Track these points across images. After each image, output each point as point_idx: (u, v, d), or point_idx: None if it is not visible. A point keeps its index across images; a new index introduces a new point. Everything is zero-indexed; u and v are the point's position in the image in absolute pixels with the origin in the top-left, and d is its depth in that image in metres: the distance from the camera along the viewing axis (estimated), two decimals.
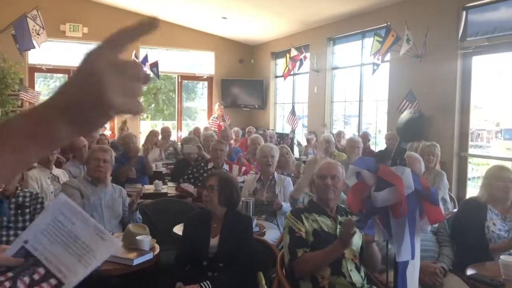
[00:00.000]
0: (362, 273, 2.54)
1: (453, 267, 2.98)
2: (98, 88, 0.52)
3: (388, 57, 7.38)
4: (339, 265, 2.46)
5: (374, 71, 7.38)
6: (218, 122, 10.47)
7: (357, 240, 2.53)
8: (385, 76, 7.77)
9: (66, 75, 10.38)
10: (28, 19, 6.53)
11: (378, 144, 8.19)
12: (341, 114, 9.79)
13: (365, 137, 7.14)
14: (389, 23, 6.93)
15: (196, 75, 11.89)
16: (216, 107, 11.01)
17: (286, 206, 3.94)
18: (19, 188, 3.23)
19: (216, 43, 11.50)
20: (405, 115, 1.39)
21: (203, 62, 11.86)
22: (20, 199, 3.16)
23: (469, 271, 2.68)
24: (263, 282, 1.93)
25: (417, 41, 6.65)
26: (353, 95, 8.97)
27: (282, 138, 9.29)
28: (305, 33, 9.82)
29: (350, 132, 8.70)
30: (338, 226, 2.60)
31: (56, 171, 4.51)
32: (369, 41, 7.86)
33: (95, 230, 1.01)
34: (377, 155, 6.33)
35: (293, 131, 9.27)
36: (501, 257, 2.60)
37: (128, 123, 9.38)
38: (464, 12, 6.37)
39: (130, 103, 0.55)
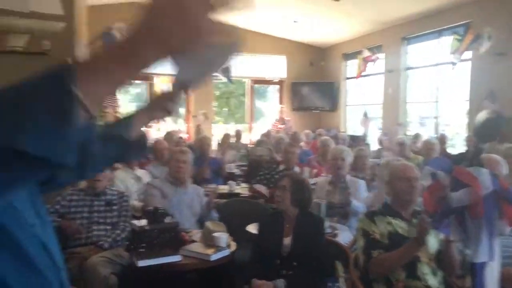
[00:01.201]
0: (439, 277, 2.48)
1: None
2: (181, 5, 0.58)
3: (467, 55, 7.05)
4: (415, 268, 2.43)
5: (452, 70, 7.07)
6: (278, 125, 10.55)
7: (433, 243, 2.48)
8: (464, 75, 7.42)
9: (147, 82, 10.99)
10: (115, 31, 7.02)
11: (455, 146, 7.83)
12: (416, 116, 9.46)
13: (443, 139, 6.86)
14: (468, 21, 6.63)
15: (267, 79, 12.06)
16: (279, 110, 11.10)
17: (357, 206, 3.91)
18: (107, 186, 3.53)
19: (287, 46, 11.60)
20: (483, 115, 1.37)
21: (274, 66, 12.00)
22: (109, 197, 3.44)
23: None
24: (339, 269, 1.97)
25: (499, 39, 6.29)
26: (429, 96, 8.65)
27: (354, 141, 9.18)
28: (378, 33, 9.63)
29: (426, 134, 8.39)
30: (414, 229, 2.56)
31: (139, 172, 4.82)
32: (446, 40, 7.56)
33: None
34: (456, 158, 6.07)
35: (365, 133, 9.12)
36: None
37: (202, 126, 9.75)
38: None
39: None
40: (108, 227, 3.36)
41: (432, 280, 2.42)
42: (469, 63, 7.26)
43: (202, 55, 0.77)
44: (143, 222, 2.82)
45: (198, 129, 8.42)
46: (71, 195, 3.35)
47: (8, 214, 0.86)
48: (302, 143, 7.60)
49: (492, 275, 1.27)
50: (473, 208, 1.23)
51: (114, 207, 3.41)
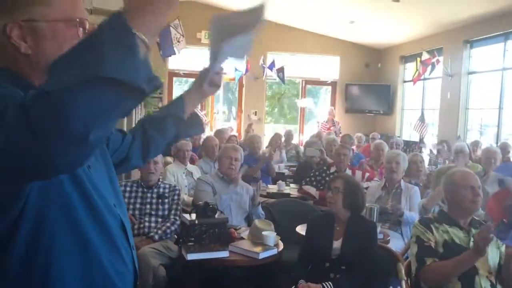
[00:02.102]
0: None
1: None
2: None
3: None
4: (472, 281, 2.30)
5: None
6: (327, 126, 10.38)
7: (494, 255, 2.34)
8: None
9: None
10: (171, 28, 7.19)
11: None
12: (477, 123, 9.01)
13: (504, 148, 6.48)
14: None
15: (320, 80, 11.94)
16: (328, 111, 10.93)
17: (410, 216, 3.78)
18: (160, 179, 3.60)
19: (342, 47, 11.42)
20: None
21: (328, 67, 11.84)
22: (161, 190, 3.52)
23: None
24: (402, 272, 1.89)
25: None
26: (492, 102, 8.21)
27: (409, 146, 8.88)
28: (438, 36, 9.26)
29: (487, 142, 7.96)
30: (471, 239, 2.42)
31: (190, 167, 4.90)
32: None
33: None
34: None
35: (422, 139, 8.80)
36: None
37: (254, 125, 9.78)
38: None
39: None
40: (159, 219, 3.43)
41: None
42: None
43: (235, 25, 0.85)
44: (193, 216, 2.85)
45: (249, 128, 8.47)
46: (124, 186, 3.45)
47: (95, 194, 1.00)
48: (353, 146, 7.44)
49: None
50: None
51: (166, 200, 3.49)
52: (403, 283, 1.80)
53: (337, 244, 2.77)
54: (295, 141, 9.56)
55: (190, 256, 2.63)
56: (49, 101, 0.68)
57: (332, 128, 10.20)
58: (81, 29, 0.99)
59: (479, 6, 7.40)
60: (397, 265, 1.80)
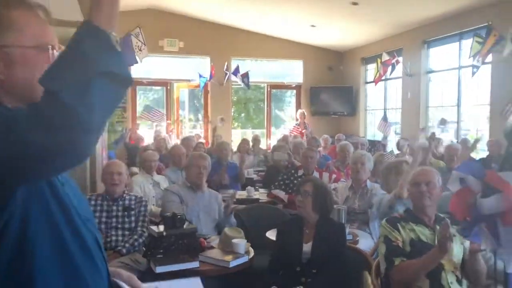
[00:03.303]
0: (464, 287, 2.40)
1: None
2: None
3: (489, 58, 6.90)
4: (439, 277, 2.35)
5: (473, 73, 6.93)
6: (300, 130, 10.48)
7: (458, 251, 2.40)
8: (486, 79, 7.26)
9: (164, 87, 11.06)
10: (132, 36, 7.09)
11: (478, 151, 7.64)
12: (437, 120, 9.28)
13: (464, 144, 6.70)
14: (490, 22, 6.48)
15: (285, 84, 12.03)
16: (297, 114, 11.04)
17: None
18: (125, 191, 3.53)
19: (305, 51, 11.55)
20: None
21: (292, 71, 11.97)
22: (127, 202, 3.44)
23: None
24: (369, 281, 1.91)
25: None
26: (450, 100, 8.48)
27: (374, 146, 9.06)
28: (398, 37, 9.51)
29: (448, 139, 8.21)
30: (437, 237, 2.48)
31: (157, 177, 4.83)
32: (467, 43, 7.41)
33: None
34: (484, 163, 5.91)
35: (385, 138, 8.99)
36: None
37: (220, 131, 9.74)
38: None
39: None
40: (126, 232, 3.35)
41: None
42: (490, 66, 7.10)
43: None
44: (161, 227, 2.80)
45: (213, 132, 8.41)
46: (89, 200, 3.35)
47: (71, 212, 1.03)
48: (320, 148, 7.52)
49: None
50: (505, 215, 1.17)
51: (132, 212, 3.41)
52: None
53: (307, 247, 2.78)
54: (263, 145, 9.60)
55: (159, 269, 2.58)
56: (58, 100, 0.80)
57: (304, 131, 10.29)
58: (52, 52, 1.04)
59: (435, 7, 7.64)
60: (364, 274, 1.82)
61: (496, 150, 5.92)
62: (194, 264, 2.65)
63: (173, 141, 9.39)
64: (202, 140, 9.15)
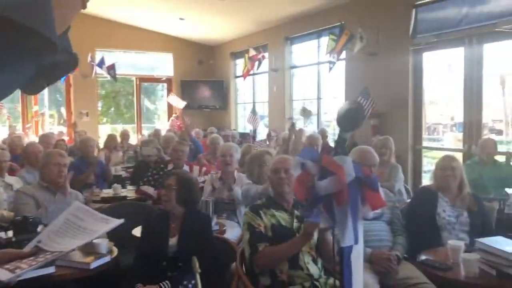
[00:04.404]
0: (320, 265, 2.60)
1: (408, 254, 3.08)
2: None
3: (344, 55, 7.56)
4: (297, 258, 2.51)
5: (330, 69, 7.53)
6: (178, 123, 10.40)
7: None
8: (342, 74, 7.95)
9: None
10: None
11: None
12: (299, 111, 9.92)
13: (323, 133, 7.27)
14: (343, 22, 7.09)
15: (155, 77, 11.77)
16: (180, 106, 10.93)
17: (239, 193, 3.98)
18: None
19: (175, 44, 11.42)
20: (344, 106, 1.45)
21: (162, 64, 11.76)
22: None
23: (421, 257, 2.79)
24: (197, 266, 1.96)
25: (371, 39, 6.84)
26: (312, 94, 9.12)
27: (244, 138, 9.35)
28: (263, 33, 9.91)
29: (311, 130, 8.83)
30: (295, 220, 2.65)
31: (9, 178, 4.38)
32: (325, 40, 8.02)
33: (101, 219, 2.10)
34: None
35: (254, 130, 9.33)
36: (449, 242, 2.73)
37: (85, 127, 9.17)
38: (414, 10, 6.60)
39: None
40: None
41: (313, 269, 2.53)
42: (344, 62, 7.79)
43: None
44: (10, 233, 2.54)
45: (73, 128, 7.85)
46: None
47: None
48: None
49: (357, 257, 1.34)
50: (339, 195, 1.29)
51: None
52: (198, 276, 1.87)
53: (173, 241, 2.76)
54: (134, 141, 9.28)
55: (8, 278, 2.33)
56: None
57: (183, 124, 10.16)
58: None
59: (295, 5, 8.12)
60: (192, 259, 1.87)
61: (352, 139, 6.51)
62: (50, 269, 2.45)
63: (31, 139, 8.60)
64: (65, 137, 8.53)
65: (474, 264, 2.46)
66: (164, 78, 11.76)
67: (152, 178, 4.93)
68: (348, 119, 1.37)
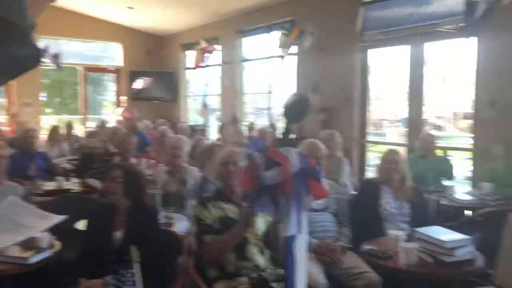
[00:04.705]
0: (267, 256, 2.62)
1: (352, 244, 3.18)
2: None
3: (295, 50, 7.64)
4: (243, 249, 2.53)
5: (281, 63, 7.60)
6: (127, 116, 10.13)
7: (260, 223, 2.61)
8: (294, 68, 8.04)
9: None
10: None
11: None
12: (252, 107, 9.95)
13: (274, 127, 7.35)
14: (294, 17, 7.17)
15: (103, 67, 11.40)
16: (124, 98, 10.67)
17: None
18: None
19: (124, 33, 11.11)
20: (290, 98, 1.47)
21: (111, 53, 11.41)
22: None
23: (364, 247, 2.89)
24: (136, 255, 1.95)
25: (321, 35, 6.96)
26: (263, 87, 9.17)
27: (195, 131, 9.26)
28: (215, 25, 9.83)
29: (263, 123, 8.88)
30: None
31: None
32: (276, 34, 8.08)
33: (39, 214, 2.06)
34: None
35: (206, 123, 9.26)
36: (390, 232, 2.85)
37: (27, 118, 8.76)
38: (363, 8, 6.76)
39: None
40: None
41: (260, 260, 2.55)
42: (296, 57, 7.88)
43: None
44: None
45: (13, 118, 7.49)
46: None
47: None
48: None
49: (300, 246, 1.37)
50: (284, 185, 1.32)
51: None
52: (136, 266, 1.86)
53: (118, 235, 2.70)
54: (80, 132, 8.97)
55: None
56: None
57: (132, 116, 9.87)
58: None
59: None
60: (130, 248, 1.87)
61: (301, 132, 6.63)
62: None
63: None
64: (3, 127, 8.11)
65: (413, 253, 2.58)
66: (112, 69, 11.41)
67: (98, 171, 4.78)
68: (294, 112, 1.40)
